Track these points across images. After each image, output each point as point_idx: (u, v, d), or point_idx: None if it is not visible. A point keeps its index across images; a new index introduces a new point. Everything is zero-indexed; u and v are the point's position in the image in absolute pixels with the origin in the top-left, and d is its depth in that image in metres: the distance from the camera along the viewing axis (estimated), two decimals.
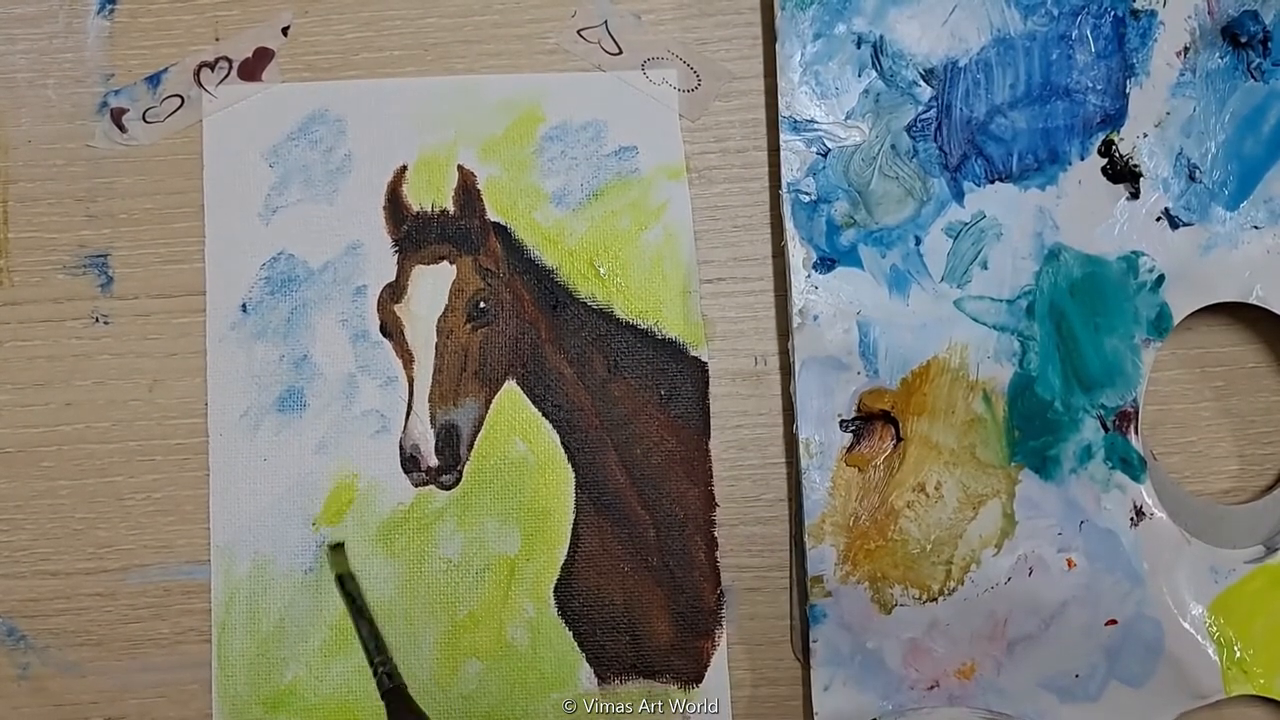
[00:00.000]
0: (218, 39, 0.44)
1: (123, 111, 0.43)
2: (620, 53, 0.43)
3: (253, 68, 0.43)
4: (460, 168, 0.43)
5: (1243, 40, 0.42)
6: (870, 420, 0.41)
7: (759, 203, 0.43)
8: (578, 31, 0.44)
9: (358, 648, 0.41)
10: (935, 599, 0.40)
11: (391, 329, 0.42)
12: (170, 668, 0.41)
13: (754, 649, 0.42)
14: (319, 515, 0.41)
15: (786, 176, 0.41)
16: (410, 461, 0.42)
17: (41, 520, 0.42)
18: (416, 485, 0.42)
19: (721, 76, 0.43)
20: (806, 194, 0.41)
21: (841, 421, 0.41)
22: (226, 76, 0.43)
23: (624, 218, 0.43)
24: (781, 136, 0.41)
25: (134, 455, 0.42)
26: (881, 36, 0.42)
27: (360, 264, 0.43)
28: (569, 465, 0.42)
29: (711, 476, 0.42)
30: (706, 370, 0.42)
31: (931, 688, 0.40)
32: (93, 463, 0.42)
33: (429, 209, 0.43)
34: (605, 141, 0.43)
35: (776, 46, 0.42)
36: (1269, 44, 0.42)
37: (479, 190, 0.43)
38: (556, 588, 0.41)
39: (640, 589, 0.41)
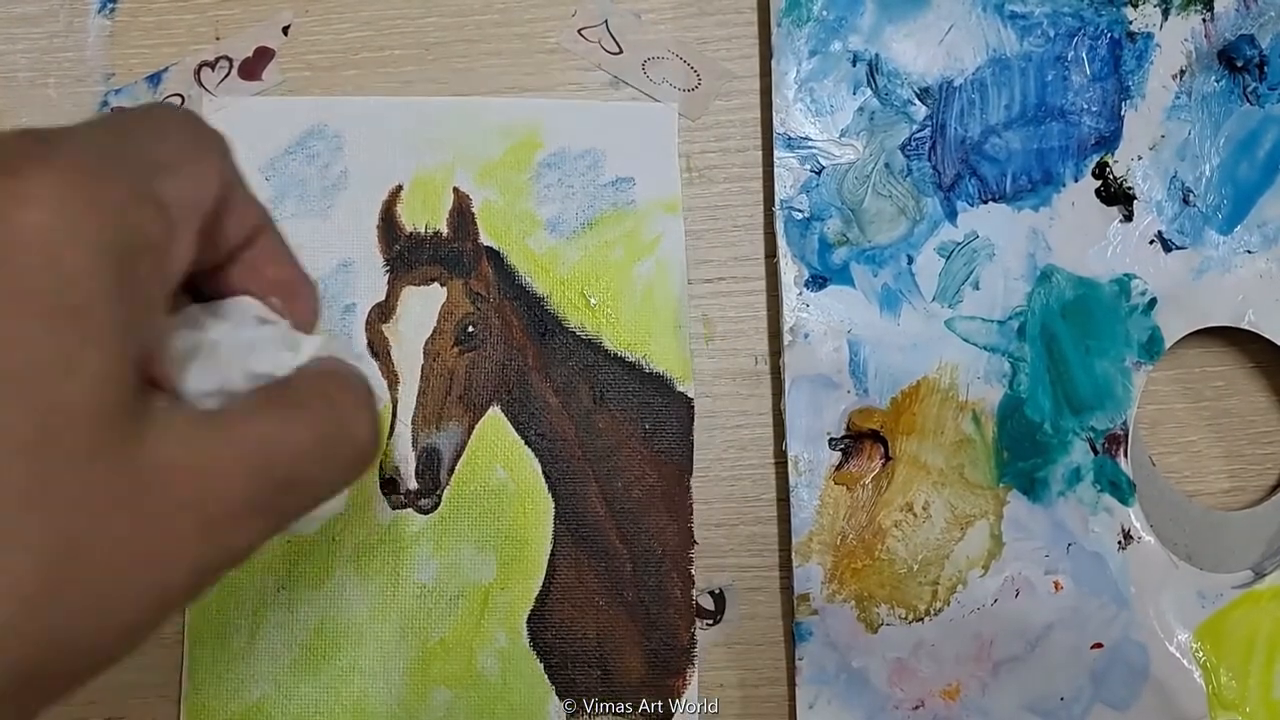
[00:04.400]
0: (218, 38, 0.44)
1: None
2: (620, 52, 0.43)
3: (253, 67, 0.43)
4: (456, 190, 0.43)
5: (1239, 64, 0.42)
6: (859, 439, 0.41)
7: (759, 202, 0.43)
8: (578, 31, 0.44)
9: (327, 667, 0.40)
10: (921, 619, 0.40)
11: (378, 349, 0.42)
12: (171, 667, 0.41)
13: (752, 648, 0.42)
14: (294, 533, 0.41)
15: (780, 193, 0.41)
16: (390, 484, 0.41)
17: None
18: (395, 508, 0.41)
19: (722, 76, 0.43)
20: (799, 211, 0.41)
21: (830, 440, 0.41)
22: (227, 76, 0.43)
23: (617, 249, 0.43)
24: (775, 153, 0.41)
25: None
26: (877, 55, 0.42)
27: (351, 282, 0.42)
28: (549, 495, 0.41)
29: (691, 514, 0.42)
30: (692, 406, 0.42)
31: (916, 708, 0.40)
32: None
33: (422, 230, 0.43)
34: (602, 171, 0.43)
35: (772, 63, 0.42)
36: (1265, 68, 0.41)
37: (473, 214, 0.43)
38: (530, 618, 0.41)
39: (614, 623, 0.41)
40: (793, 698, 0.41)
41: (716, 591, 0.42)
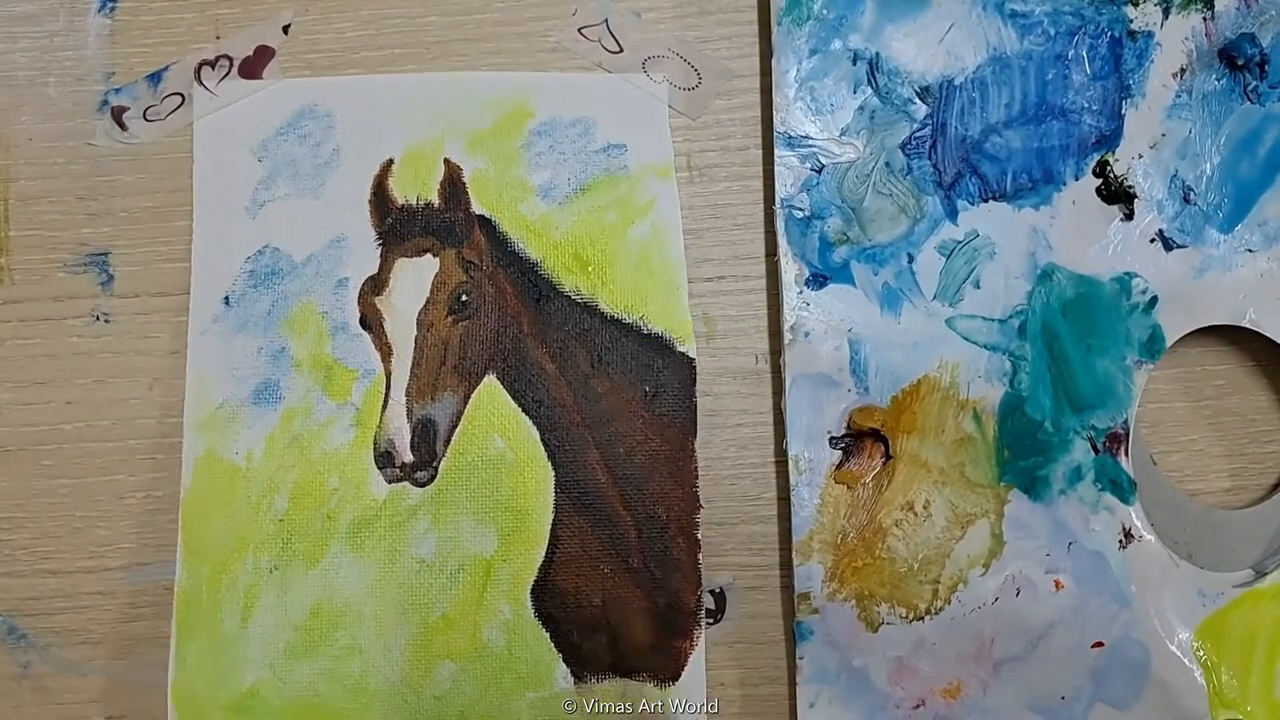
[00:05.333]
0: (218, 37, 0.44)
1: (123, 110, 0.43)
2: (621, 51, 0.43)
3: (253, 66, 0.43)
4: (446, 160, 0.43)
5: (1240, 63, 0.42)
6: (860, 438, 0.41)
7: (759, 201, 0.43)
8: (578, 30, 0.44)
9: (325, 648, 0.40)
10: (922, 618, 0.40)
11: (371, 321, 0.42)
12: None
13: (753, 647, 0.42)
14: (287, 511, 0.41)
15: (780, 192, 0.41)
16: (384, 457, 0.41)
17: (42, 519, 0.42)
18: (390, 481, 0.41)
19: (722, 74, 0.43)
20: (800, 210, 0.41)
21: (831, 438, 0.41)
22: (227, 74, 0.43)
23: (610, 212, 0.43)
24: (776, 152, 0.41)
25: (134, 453, 0.42)
26: (877, 53, 0.42)
27: (344, 257, 0.42)
28: (549, 463, 0.41)
29: (696, 477, 0.41)
30: (694, 367, 0.42)
31: (917, 707, 0.40)
32: (93, 461, 0.42)
33: (414, 202, 0.43)
34: (593, 138, 0.43)
35: (772, 62, 0.42)
36: (1266, 67, 0.41)
37: (464, 183, 0.43)
38: (534, 589, 0.41)
39: (620, 591, 0.41)
40: (793, 697, 0.41)
41: (717, 590, 0.42)
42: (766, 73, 0.43)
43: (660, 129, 0.43)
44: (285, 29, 0.44)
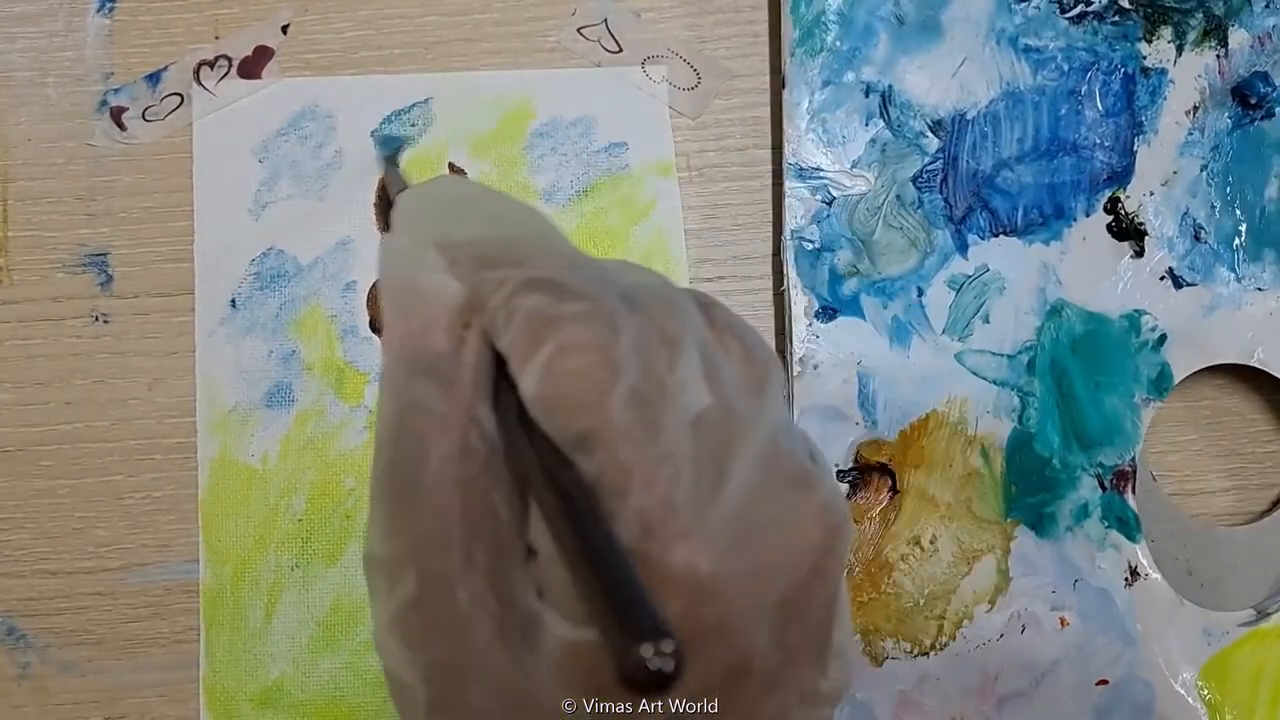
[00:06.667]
0: (217, 37, 0.43)
1: (122, 110, 0.43)
2: (620, 50, 0.43)
3: (252, 66, 0.43)
4: (451, 165, 0.43)
5: (1252, 101, 0.42)
6: (867, 471, 0.41)
7: (759, 201, 0.43)
8: (578, 30, 0.43)
9: (345, 643, 0.40)
10: (926, 653, 0.40)
11: (381, 325, 0.42)
12: (170, 667, 0.41)
13: None
14: (305, 511, 0.41)
15: (790, 224, 0.41)
16: None
17: (41, 519, 0.41)
18: None
19: (722, 74, 0.43)
20: (810, 242, 0.41)
21: (838, 472, 0.41)
22: (226, 74, 0.43)
23: (613, 214, 0.43)
24: (786, 184, 0.41)
25: (134, 454, 0.41)
26: (890, 86, 0.42)
27: (350, 260, 0.42)
28: None
29: None
30: None
31: None
32: (92, 462, 0.41)
33: None
34: (595, 138, 0.43)
35: (784, 93, 0.41)
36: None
37: None
38: None
39: None
40: None
41: None
42: (773, 71, 0.43)
43: (661, 124, 0.43)
44: (284, 29, 0.43)
